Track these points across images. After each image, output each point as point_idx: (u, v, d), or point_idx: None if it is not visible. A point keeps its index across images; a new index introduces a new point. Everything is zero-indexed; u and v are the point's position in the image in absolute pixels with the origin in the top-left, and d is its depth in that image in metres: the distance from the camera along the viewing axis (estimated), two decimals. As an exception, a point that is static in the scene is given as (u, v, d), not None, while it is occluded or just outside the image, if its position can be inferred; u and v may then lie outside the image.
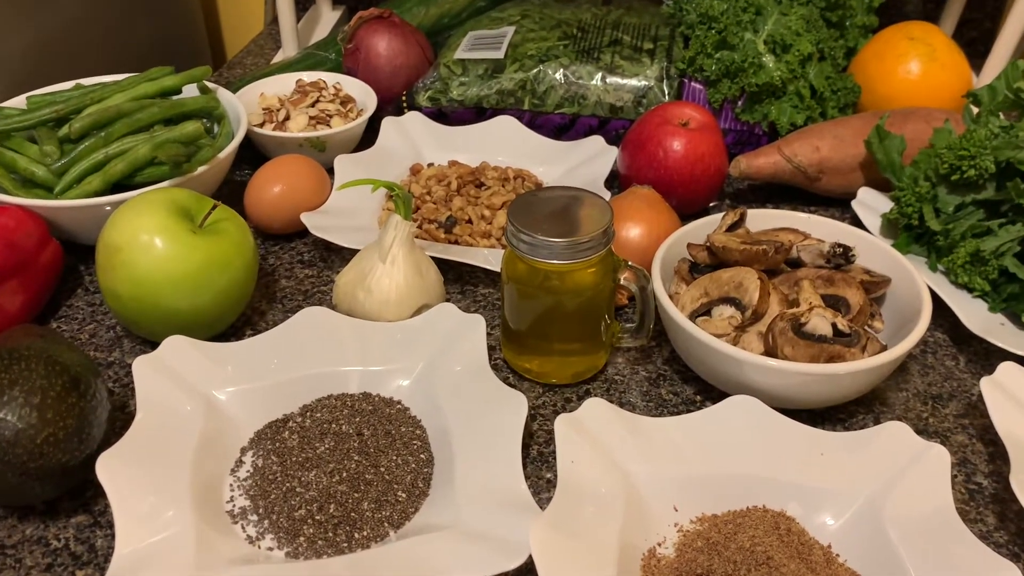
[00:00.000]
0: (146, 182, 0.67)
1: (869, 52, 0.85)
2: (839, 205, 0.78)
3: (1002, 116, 0.69)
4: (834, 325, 0.54)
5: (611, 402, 0.59)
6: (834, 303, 0.56)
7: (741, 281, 0.56)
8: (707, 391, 0.59)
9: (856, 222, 0.72)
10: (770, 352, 0.54)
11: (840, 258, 0.58)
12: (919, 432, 0.57)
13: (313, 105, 0.82)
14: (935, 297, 0.63)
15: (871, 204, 0.73)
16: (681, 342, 0.57)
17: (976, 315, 0.63)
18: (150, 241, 0.58)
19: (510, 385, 0.61)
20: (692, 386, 0.60)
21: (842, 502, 0.50)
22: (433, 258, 0.66)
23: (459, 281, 0.70)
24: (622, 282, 0.57)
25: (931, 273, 0.66)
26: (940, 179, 0.67)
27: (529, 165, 0.81)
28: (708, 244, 0.60)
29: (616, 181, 0.79)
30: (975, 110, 0.71)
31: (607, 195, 0.73)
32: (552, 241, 0.54)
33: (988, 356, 0.63)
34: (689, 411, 0.58)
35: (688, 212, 0.77)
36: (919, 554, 0.46)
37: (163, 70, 0.75)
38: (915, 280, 0.58)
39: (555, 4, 0.94)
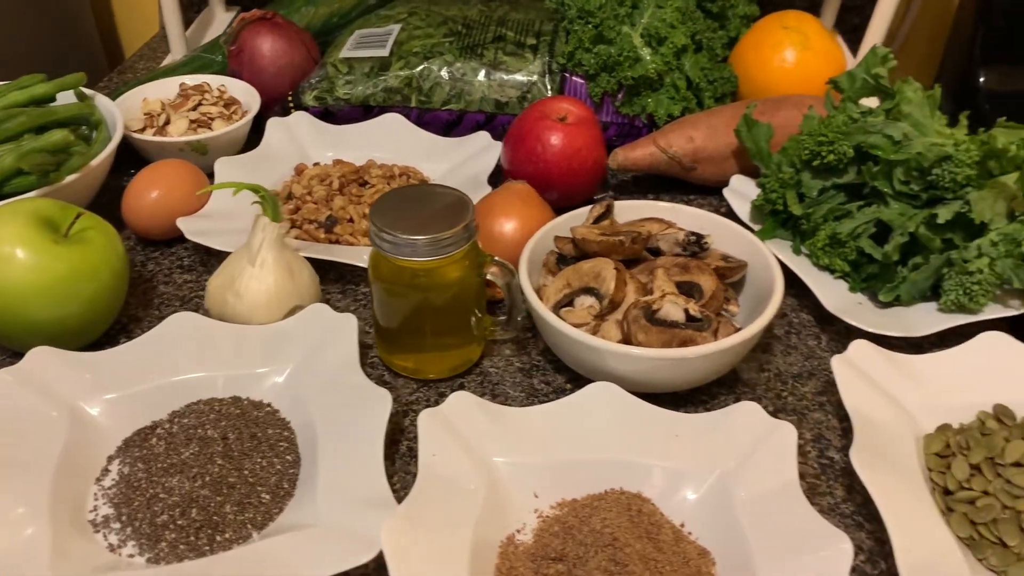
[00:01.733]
0: (14, 192, 0.67)
1: (747, 42, 0.87)
2: (716, 193, 0.80)
3: (863, 102, 0.72)
4: (686, 311, 0.56)
5: (484, 394, 0.60)
6: (688, 289, 0.58)
7: (599, 272, 0.57)
8: (577, 380, 0.61)
9: (729, 209, 0.75)
10: (626, 339, 0.56)
11: (695, 246, 0.60)
12: (778, 410, 0.59)
13: (195, 108, 0.81)
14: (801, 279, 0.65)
15: (742, 191, 0.75)
16: (546, 333, 0.59)
17: (837, 296, 0.65)
18: (11, 252, 0.57)
19: (385, 383, 0.61)
20: (564, 375, 0.62)
21: (696, 481, 0.52)
22: (312, 259, 0.66)
23: (340, 280, 0.71)
24: (488, 276, 0.58)
25: (796, 256, 0.69)
26: (804, 165, 0.69)
27: (417, 162, 0.82)
28: (572, 236, 0.61)
29: (502, 176, 0.80)
30: (836, 97, 0.73)
31: (488, 190, 0.74)
32: (414, 239, 0.55)
33: (849, 335, 0.65)
34: (558, 400, 0.60)
35: (570, 205, 0.78)
36: (761, 528, 0.48)
37: (34, 78, 0.74)
38: (770, 264, 0.61)
39: (444, 1, 0.95)
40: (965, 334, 0.63)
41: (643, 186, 0.83)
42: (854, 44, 1.01)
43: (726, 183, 0.77)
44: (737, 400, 0.60)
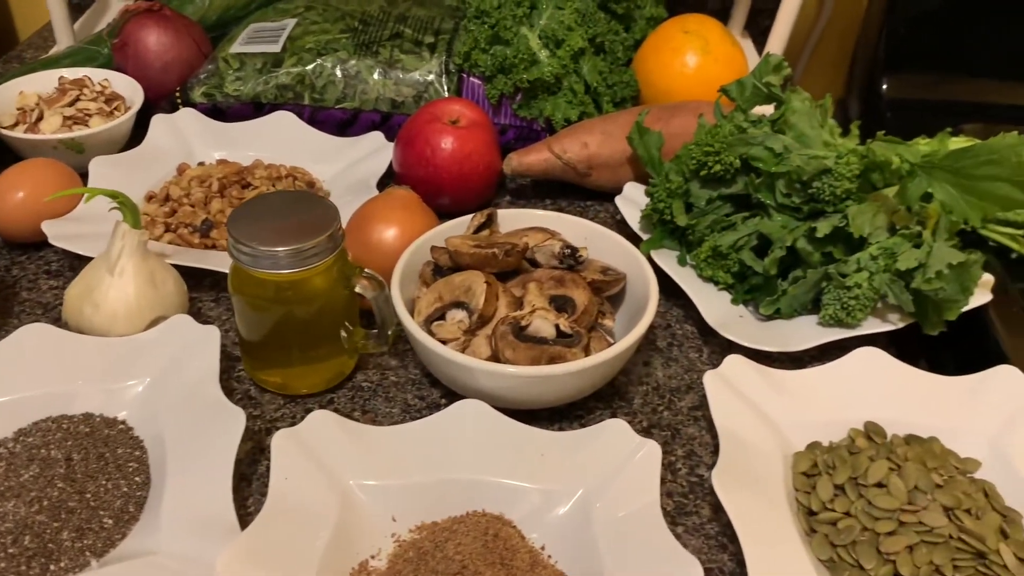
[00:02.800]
0: None
1: (648, 46, 0.86)
2: (613, 198, 0.79)
3: (759, 110, 0.71)
4: (557, 326, 0.54)
5: (355, 410, 0.58)
6: (562, 304, 0.57)
7: (470, 285, 0.56)
8: (452, 395, 0.59)
9: (621, 217, 0.74)
10: (495, 355, 0.54)
11: (570, 259, 0.58)
12: (652, 426, 0.58)
13: (72, 104, 0.78)
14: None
15: (635, 199, 0.74)
16: (416, 348, 0.57)
17: (719, 308, 0.65)
18: None
19: (251, 398, 0.59)
20: (439, 390, 0.60)
21: (559, 501, 0.51)
22: (183, 266, 0.64)
23: (215, 288, 0.68)
24: (357, 289, 0.56)
25: (681, 268, 0.68)
26: (692, 174, 0.68)
27: (307, 163, 0.79)
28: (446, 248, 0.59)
29: (394, 179, 0.78)
30: (727, 105, 0.72)
31: (375, 194, 0.72)
32: (274, 251, 0.52)
33: (731, 348, 0.64)
34: (424, 418, 0.58)
35: (463, 210, 0.76)
36: (617, 550, 0.47)
37: None
38: (647, 277, 0.59)
39: (347, -5, 0.92)
40: (849, 348, 0.63)
41: (541, 191, 0.82)
42: (764, 47, 1.00)
43: (620, 190, 0.76)
44: (613, 415, 0.59)
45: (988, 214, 0.58)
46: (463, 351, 0.55)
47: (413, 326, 0.55)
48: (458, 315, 0.56)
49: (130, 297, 0.58)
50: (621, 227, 0.77)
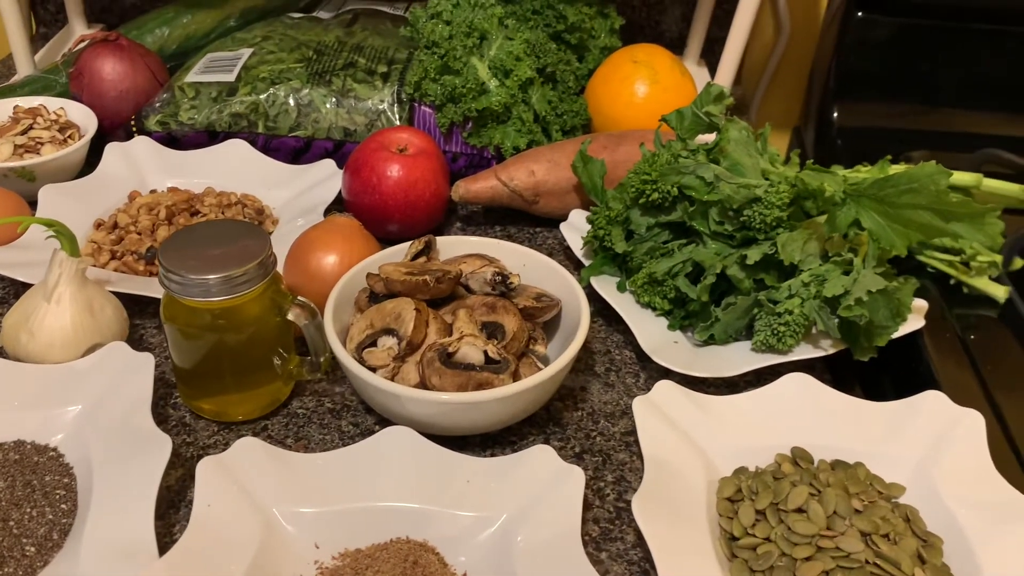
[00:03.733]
0: None
1: (598, 76, 0.88)
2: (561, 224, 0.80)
3: (696, 142, 0.72)
4: (485, 352, 0.55)
5: (288, 437, 0.59)
6: (493, 330, 0.57)
7: (399, 312, 0.56)
8: (386, 422, 0.60)
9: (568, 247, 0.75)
10: (423, 382, 0.55)
11: (501, 286, 0.59)
12: (584, 451, 0.59)
13: (24, 133, 0.78)
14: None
15: (578, 225, 0.75)
16: (348, 376, 0.57)
17: (656, 334, 0.65)
18: None
19: (185, 425, 0.59)
20: (373, 416, 0.61)
21: (482, 528, 0.51)
22: (126, 293, 0.64)
23: (158, 315, 0.68)
24: (290, 316, 0.57)
25: (620, 294, 0.69)
26: (633, 202, 0.69)
27: (259, 190, 0.80)
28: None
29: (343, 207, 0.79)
30: (668, 134, 0.73)
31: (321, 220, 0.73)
32: (204, 279, 0.53)
33: (668, 373, 0.65)
34: (351, 445, 0.58)
35: (411, 237, 0.77)
36: (534, 577, 0.47)
37: None
38: (580, 304, 0.60)
39: (306, 24, 0.93)
40: (783, 373, 0.64)
41: (491, 218, 0.83)
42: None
43: (567, 217, 0.77)
44: (546, 440, 0.59)
45: (912, 241, 0.58)
46: (392, 378, 0.56)
47: (343, 354, 0.55)
48: (388, 342, 0.56)
49: (66, 324, 0.59)
50: (568, 253, 0.78)
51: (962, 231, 0.56)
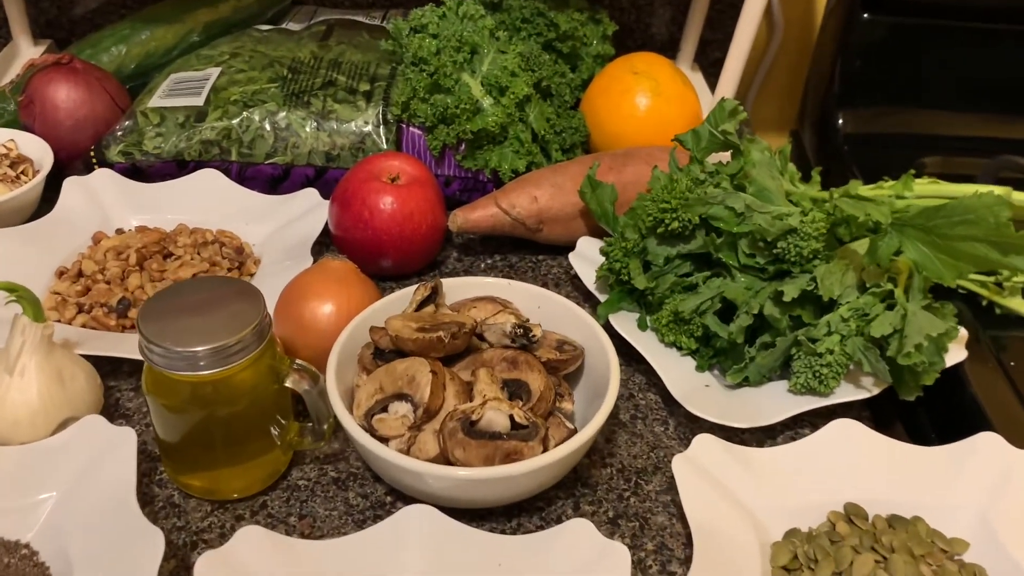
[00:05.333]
0: None
1: (596, 88, 0.82)
2: (568, 251, 0.74)
3: (709, 161, 0.67)
4: (511, 417, 0.49)
5: (290, 514, 0.53)
6: (516, 389, 0.52)
7: (413, 375, 0.51)
8: (399, 491, 0.54)
9: (576, 276, 0.69)
10: (444, 454, 0.49)
11: (523, 339, 0.54)
12: (618, 516, 0.54)
13: (-30, 171, 0.71)
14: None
15: (589, 255, 0.69)
16: (356, 448, 0.52)
17: (684, 376, 0.60)
18: None
19: (174, 505, 0.53)
20: (384, 486, 0.55)
21: (521, 618, 0.46)
22: (93, 356, 0.58)
23: (136, 374, 0.62)
24: (288, 383, 0.51)
25: (642, 332, 0.64)
26: (649, 231, 0.64)
27: (236, 224, 0.74)
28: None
29: (330, 241, 0.72)
30: (683, 155, 0.69)
31: (309, 263, 0.66)
32: (191, 351, 0.47)
33: (698, 419, 0.60)
34: (377, 516, 0.53)
35: (406, 272, 0.72)
36: None
37: None
38: (606, 351, 0.55)
39: (276, 38, 0.86)
40: (825, 414, 0.59)
41: (491, 245, 0.77)
42: (714, 78, 0.97)
43: (574, 244, 0.72)
44: (576, 505, 0.54)
45: (963, 274, 0.54)
46: (408, 449, 0.50)
47: (351, 424, 0.49)
48: (401, 408, 0.51)
49: (33, 399, 0.52)
50: (576, 283, 0.73)
51: (1022, 264, 0.51)
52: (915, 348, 0.52)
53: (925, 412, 0.63)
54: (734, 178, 0.62)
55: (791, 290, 0.57)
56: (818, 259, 0.58)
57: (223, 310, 0.49)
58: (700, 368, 0.61)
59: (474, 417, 0.49)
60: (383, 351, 0.55)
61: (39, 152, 0.75)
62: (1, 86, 0.81)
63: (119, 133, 0.76)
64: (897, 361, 0.54)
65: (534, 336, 0.53)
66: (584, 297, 0.71)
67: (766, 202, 0.60)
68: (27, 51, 0.96)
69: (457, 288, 0.61)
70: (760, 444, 0.59)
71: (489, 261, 0.75)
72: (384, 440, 0.50)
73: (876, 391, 0.58)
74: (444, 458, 0.49)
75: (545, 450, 0.49)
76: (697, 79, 0.99)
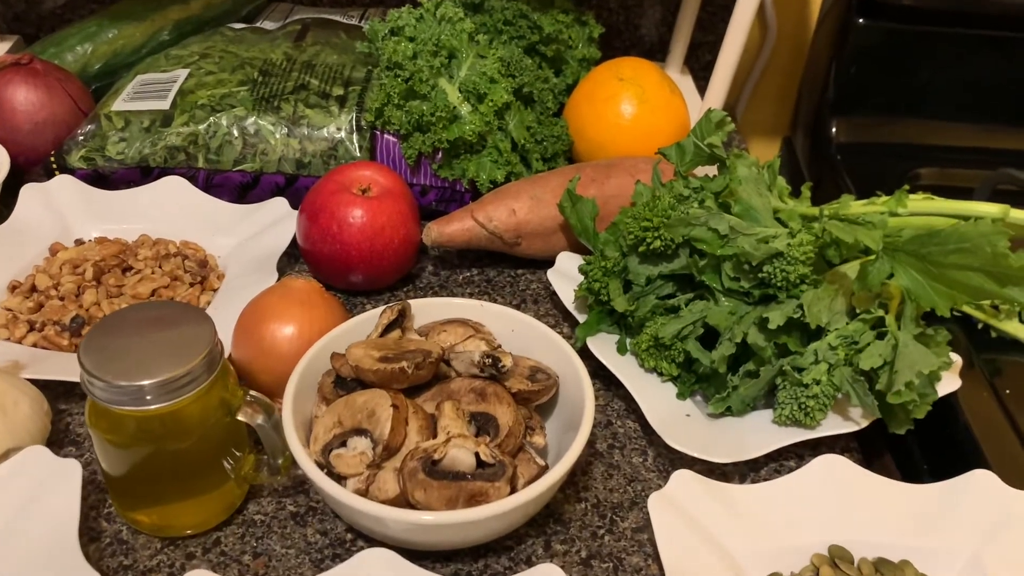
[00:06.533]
0: None
1: (580, 94, 0.79)
2: (548, 264, 0.71)
3: (697, 173, 0.64)
4: (477, 455, 0.46)
5: (245, 552, 0.50)
6: (484, 423, 0.49)
7: (373, 409, 0.48)
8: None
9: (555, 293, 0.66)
10: (403, 495, 0.46)
11: (491, 368, 0.51)
12: (591, 556, 0.51)
13: (-79, 178, 0.68)
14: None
15: (568, 272, 0.66)
16: (312, 486, 0.49)
17: (664, 404, 0.58)
18: None
19: (122, 542, 0.50)
20: (344, 522, 0.52)
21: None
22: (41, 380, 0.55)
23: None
24: (240, 417, 0.48)
25: (621, 357, 0.61)
26: (630, 249, 0.61)
27: (201, 235, 0.71)
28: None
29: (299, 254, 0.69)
30: (666, 170, 0.66)
31: (274, 279, 0.63)
32: (136, 385, 0.44)
33: (677, 451, 0.57)
34: (336, 556, 0.50)
35: (377, 287, 0.69)
36: None
37: None
38: (581, 382, 0.52)
39: (249, 38, 0.83)
40: (811, 445, 0.57)
41: (468, 258, 0.74)
42: (704, 82, 0.94)
43: (554, 259, 0.69)
44: (547, 544, 0.51)
45: (958, 304, 0.51)
46: (367, 489, 0.47)
47: (307, 462, 0.46)
48: (360, 444, 0.48)
49: (-29, 430, 0.49)
50: (555, 300, 0.70)
51: (1020, 296, 0.48)
52: (905, 386, 0.49)
53: (917, 444, 0.60)
54: (719, 195, 0.59)
55: (777, 317, 0.54)
56: (805, 283, 0.55)
57: (170, 338, 0.46)
58: (681, 396, 0.59)
59: (436, 456, 0.46)
60: (344, 379, 0.52)
61: (-4, 157, 0.72)
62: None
63: (81, 138, 0.73)
64: (888, 400, 0.51)
65: (503, 366, 0.50)
66: (562, 315, 0.68)
67: (752, 222, 0.57)
68: (-10, 50, 0.92)
69: (426, 309, 0.58)
70: (742, 476, 0.56)
71: (467, 274, 0.72)
72: (342, 478, 0.47)
73: (864, 424, 0.56)
74: (405, 499, 0.46)
75: (513, 490, 0.47)
76: (687, 83, 0.96)
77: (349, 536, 0.51)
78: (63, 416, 0.57)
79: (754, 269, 0.55)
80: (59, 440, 0.56)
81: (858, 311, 0.56)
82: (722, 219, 0.56)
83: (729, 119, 0.64)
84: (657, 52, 0.98)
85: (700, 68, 1.00)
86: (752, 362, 0.56)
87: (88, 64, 0.82)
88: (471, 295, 0.70)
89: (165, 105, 0.73)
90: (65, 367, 0.57)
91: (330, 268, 0.66)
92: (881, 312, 0.55)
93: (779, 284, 0.55)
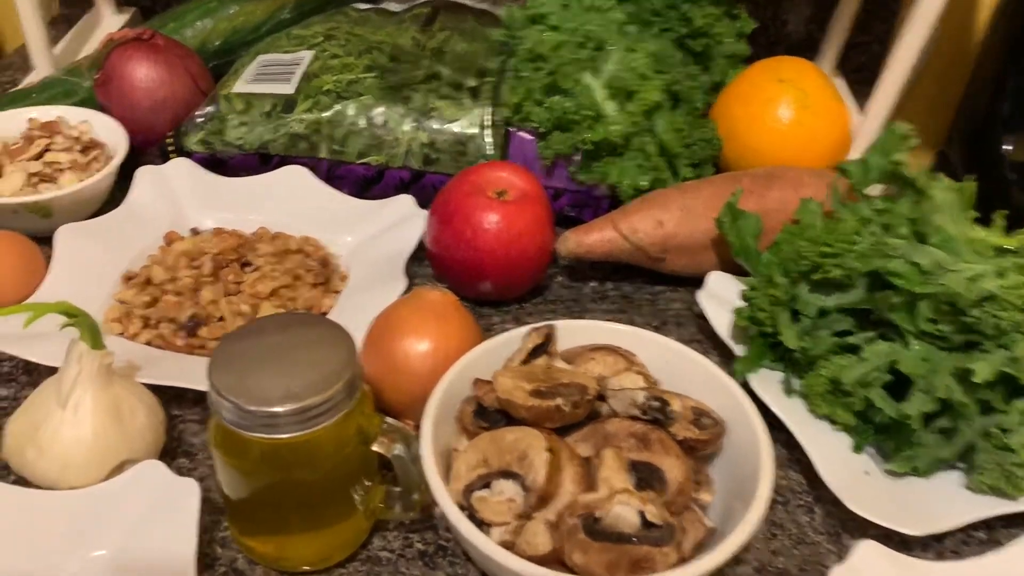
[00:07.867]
0: None
1: (734, 93, 0.72)
2: (691, 283, 0.65)
3: (875, 196, 0.57)
4: (642, 514, 0.41)
5: (369, 593, 0.45)
6: (648, 475, 0.43)
7: (526, 451, 0.42)
8: (495, 573, 0.46)
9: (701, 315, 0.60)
10: (558, 551, 0.41)
11: (657, 412, 0.45)
12: (756, 631, 0.45)
13: (39, 157, 0.64)
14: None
15: (722, 295, 0.60)
16: (452, 531, 0.43)
17: (837, 457, 0.51)
18: None
19: (236, 571, 0.46)
20: (478, 567, 0.47)
21: None
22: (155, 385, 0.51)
23: (202, 402, 0.55)
24: (375, 447, 0.43)
25: (787, 398, 0.54)
26: (800, 275, 0.54)
27: (322, 230, 0.66)
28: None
29: (424, 256, 0.64)
30: (845, 188, 0.58)
31: (403, 284, 0.58)
32: (270, 412, 0.39)
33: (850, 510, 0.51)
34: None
35: (507, 298, 0.63)
36: None
37: None
38: (755, 430, 0.46)
39: (375, 20, 0.78)
40: (1008, 519, 0.49)
41: (601, 271, 0.68)
42: (857, 86, 0.86)
43: (702, 276, 0.62)
44: (704, 611, 0.45)
45: None
46: (514, 539, 0.42)
47: (448, 504, 0.41)
48: (508, 489, 0.42)
49: (86, 439, 0.45)
50: (701, 324, 0.63)
51: None
52: None
53: None
54: (914, 222, 0.52)
55: (984, 370, 0.46)
56: (1021, 332, 0.47)
57: (308, 359, 0.41)
58: (857, 448, 0.52)
59: (598, 514, 0.40)
60: (485, 409, 0.47)
61: (113, 136, 0.69)
62: (78, 60, 0.75)
63: (200, 119, 0.69)
64: None
65: (672, 412, 0.44)
66: (712, 343, 0.61)
67: (955, 256, 0.50)
68: (110, 19, 0.90)
69: (571, 331, 0.52)
70: (924, 545, 0.49)
71: (600, 288, 0.66)
72: (485, 525, 0.42)
73: (1081, 499, 0.48)
74: (557, 558, 0.41)
75: (680, 556, 0.41)
76: (840, 87, 0.88)
77: (483, 585, 0.46)
78: (175, 423, 0.54)
79: (957, 312, 0.48)
80: (171, 450, 0.52)
81: (1075, 365, 0.48)
82: (925, 252, 0.49)
83: (914, 134, 0.57)
84: (804, 50, 0.90)
85: (852, 70, 0.92)
86: (947, 418, 0.49)
87: (207, 41, 0.78)
88: (606, 312, 0.64)
89: (289, 89, 0.69)
90: (183, 371, 0.53)
91: (461, 276, 0.61)
92: (1104, 369, 0.47)
93: (988, 332, 0.47)
